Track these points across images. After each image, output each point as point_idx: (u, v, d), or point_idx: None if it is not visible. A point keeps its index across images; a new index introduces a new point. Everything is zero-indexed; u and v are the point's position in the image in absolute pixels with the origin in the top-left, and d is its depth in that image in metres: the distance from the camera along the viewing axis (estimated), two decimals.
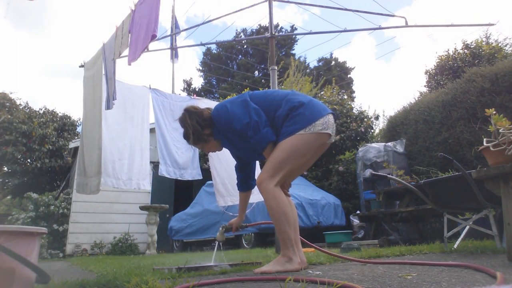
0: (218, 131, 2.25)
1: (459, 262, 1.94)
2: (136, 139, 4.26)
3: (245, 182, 2.51)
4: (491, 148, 1.97)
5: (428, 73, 9.78)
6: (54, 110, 12.83)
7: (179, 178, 4.60)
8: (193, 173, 4.72)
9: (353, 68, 24.81)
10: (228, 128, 2.17)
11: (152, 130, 4.51)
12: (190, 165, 4.69)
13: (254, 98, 2.19)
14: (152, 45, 2.90)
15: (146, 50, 2.73)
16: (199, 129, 2.20)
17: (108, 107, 3.35)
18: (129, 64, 2.85)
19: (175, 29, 8.16)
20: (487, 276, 1.47)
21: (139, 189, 4.16)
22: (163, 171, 4.44)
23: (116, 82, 4.10)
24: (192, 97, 5.04)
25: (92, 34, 45.78)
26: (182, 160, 4.61)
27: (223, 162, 4.61)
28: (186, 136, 2.29)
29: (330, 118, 2.11)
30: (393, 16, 4.90)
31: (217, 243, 2.73)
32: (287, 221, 2.04)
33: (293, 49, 25.31)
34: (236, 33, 25.33)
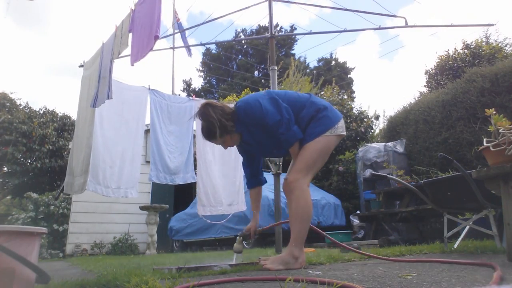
0: (240, 124, 2.23)
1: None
2: (129, 145, 4.28)
3: (255, 177, 2.50)
4: (491, 148, 1.97)
5: (428, 73, 9.78)
6: (54, 110, 12.81)
7: (170, 183, 4.66)
8: (185, 177, 4.76)
9: (353, 68, 24.83)
10: (258, 122, 2.19)
11: (148, 131, 4.53)
12: (182, 169, 4.72)
13: (278, 97, 2.24)
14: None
15: (150, 50, 2.73)
16: (224, 121, 2.17)
17: (94, 105, 3.34)
18: (132, 65, 2.84)
19: (179, 28, 8.19)
20: (487, 276, 1.46)
21: (126, 197, 4.17)
22: (153, 177, 4.48)
23: (115, 82, 4.09)
24: (191, 98, 5.04)
25: (92, 33, 45.79)
26: (174, 165, 4.63)
27: (210, 173, 4.71)
28: (210, 130, 2.20)
29: (343, 121, 2.31)
30: (393, 16, 4.90)
31: (235, 255, 2.51)
32: (308, 223, 2.15)
33: (293, 49, 25.33)
34: (236, 33, 25.35)
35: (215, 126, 2.16)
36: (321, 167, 2.35)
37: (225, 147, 2.39)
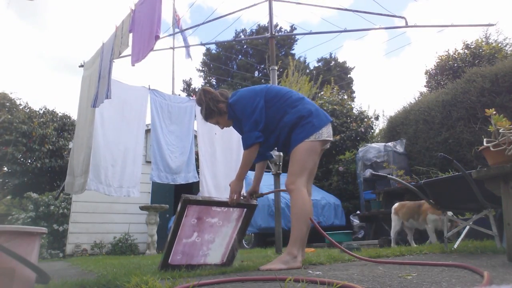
0: (230, 113, 2.48)
1: (457, 262, 1.94)
2: (130, 145, 4.29)
3: (261, 154, 2.62)
4: (491, 148, 1.96)
5: (428, 73, 9.78)
6: (54, 110, 12.81)
7: (171, 183, 4.66)
8: (187, 177, 4.77)
9: (353, 68, 24.81)
10: (238, 119, 2.43)
11: (148, 131, 4.53)
12: (184, 168, 4.73)
13: (269, 94, 2.42)
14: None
15: (151, 50, 2.73)
16: (212, 106, 2.45)
17: (95, 105, 3.35)
18: (133, 65, 2.85)
19: (180, 27, 8.16)
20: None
21: (128, 196, 4.19)
22: (155, 176, 4.50)
23: (116, 82, 4.09)
24: (191, 98, 5.04)
25: (92, 33, 45.76)
26: (176, 164, 4.64)
27: (213, 173, 4.74)
28: (200, 111, 2.55)
29: (330, 126, 2.41)
30: (392, 16, 4.91)
31: None
32: (306, 222, 2.25)
33: (293, 49, 25.29)
34: (236, 33, 25.33)
35: (203, 108, 2.48)
36: (314, 169, 2.45)
37: (221, 128, 2.66)
